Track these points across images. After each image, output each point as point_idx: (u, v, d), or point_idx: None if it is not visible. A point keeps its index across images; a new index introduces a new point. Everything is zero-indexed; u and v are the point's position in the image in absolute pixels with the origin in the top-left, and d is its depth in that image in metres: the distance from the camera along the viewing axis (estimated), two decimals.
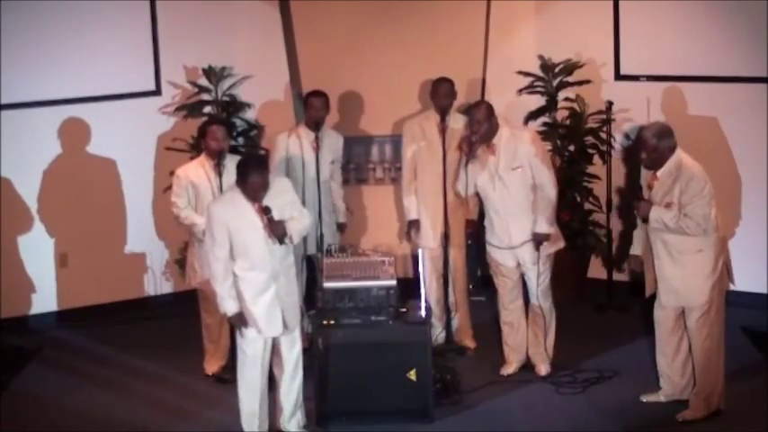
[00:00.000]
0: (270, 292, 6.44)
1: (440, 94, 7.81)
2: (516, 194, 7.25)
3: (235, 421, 6.67)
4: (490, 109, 7.30)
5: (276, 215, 6.38)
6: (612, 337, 8.11)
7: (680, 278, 6.59)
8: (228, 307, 6.45)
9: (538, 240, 7.28)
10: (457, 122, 7.83)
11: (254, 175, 6.33)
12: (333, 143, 8.08)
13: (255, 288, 6.43)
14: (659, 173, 6.58)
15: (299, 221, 6.52)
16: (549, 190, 7.27)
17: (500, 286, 7.51)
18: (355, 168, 9.07)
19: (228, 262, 6.41)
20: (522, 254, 7.33)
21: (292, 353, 6.61)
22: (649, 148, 6.55)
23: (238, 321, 6.47)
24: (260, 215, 6.38)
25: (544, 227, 7.27)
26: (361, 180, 9.12)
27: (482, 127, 7.22)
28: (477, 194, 7.46)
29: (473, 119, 7.25)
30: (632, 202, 6.77)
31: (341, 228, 8.23)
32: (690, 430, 6.67)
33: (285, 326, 6.50)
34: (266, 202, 6.39)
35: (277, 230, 6.39)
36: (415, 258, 7.97)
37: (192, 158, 8.53)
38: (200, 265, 7.53)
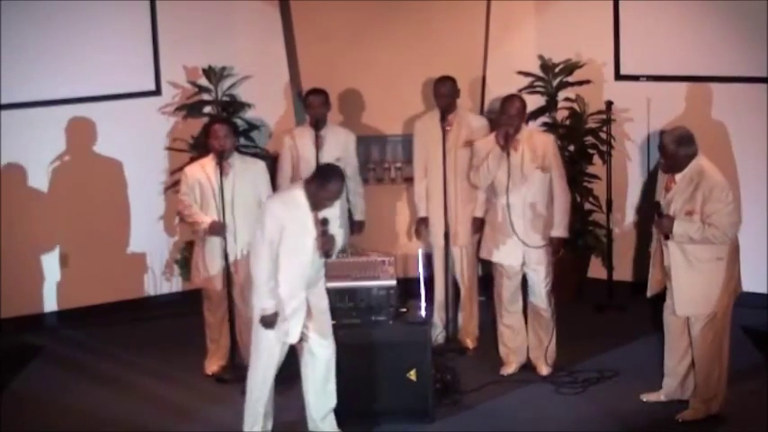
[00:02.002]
0: (298, 299, 6.36)
1: (440, 93, 7.82)
2: (534, 194, 7.27)
3: (235, 420, 6.67)
4: (524, 104, 7.37)
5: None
6: (612, 337, 8.11)
7: (698, 286, 6.54)
8: (268, 305, 6.31)
9: (554, 245, 7.35)
10: (464, 119, 7.82)
11: (336, 182, 6.24)
12: (339, 141, 8.04)
13: (287, 292, 6.34)
14: (677, 177, 6.54)
15: (340, 240, 6.49)
16: (566, 197, 7.37)
17: (503, 287, 7.50)
18: None
19: (274, 261, 6.27)
20: (529, 253, 7.33)
21: (325, 355, 6.50)
22: (668, 155, 6.51)
23: (271, 321, 6.33)
24: (317, 225, 6.29)
25: (563, 232, 7.35)
26: (362, 180, 9.10)
27: (516, 120, 7.26)
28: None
29: (508, 112, 7.26)
30: (654, 219, 6.70)
31: (359, 226, 8.24)
32: (690, 431, 6.67)
33: (303, 338, 6.42)
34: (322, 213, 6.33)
35: (327, 245, 6.34)
36: (427, 257, 8.03)
37: (191, 158, 8.58)
38: (203, 265, 7.56)
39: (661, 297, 6.81)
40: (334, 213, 6.38)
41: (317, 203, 6.28)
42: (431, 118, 7.93)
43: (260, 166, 7.60)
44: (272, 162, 8.22)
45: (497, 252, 7.43)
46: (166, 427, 6.98)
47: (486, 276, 7.83)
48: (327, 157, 7.91)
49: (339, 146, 8.03)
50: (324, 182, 6.25)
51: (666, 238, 6.52)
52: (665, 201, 6.61)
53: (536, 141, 7.34)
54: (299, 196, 6.30)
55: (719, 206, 6.41)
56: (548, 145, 7.37)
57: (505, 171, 7.25)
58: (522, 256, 7.36)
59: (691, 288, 6.56)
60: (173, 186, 8.92)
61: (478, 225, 7.78)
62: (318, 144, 7.91)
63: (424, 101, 8.88)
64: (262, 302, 6.34)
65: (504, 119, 7.29)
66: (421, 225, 8.06)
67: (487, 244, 7.51)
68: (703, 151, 6.60)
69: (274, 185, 7.88)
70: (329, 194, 6.25)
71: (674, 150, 6.49)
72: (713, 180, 6.45)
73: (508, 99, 7.41)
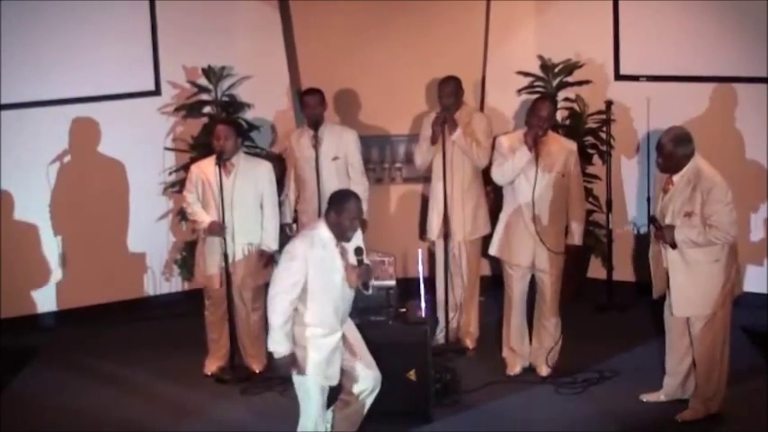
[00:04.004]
0: (335, 338, 6.21)
1: (443, 93, 7.83)
2: (548, 195, 7.27)
3: (234, 420, 6.66)
4: (555, 108, 7.42)
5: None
6: (612, 337, 8.11)
7: (694, 288, 6.53)
8: (282, 349, 6.05)
9: (570, 253, 7.41)
10: (465, 117, 7.82)
11: (352, 199, 6.11)
12: (337, 140, 8.02)
13: (323, 332, 6.15)
14: (675, 178, 6.53)
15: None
16: (581, 206, 7.42)
17: (510, 289, 7.49)
18: None
19: (293, 304, 6.08)
20: (539, 256, 7.32)
21: (370, 383, 6.33)
22: (665, 154, 6.49)
23: (289, 364, 6.10)
24: (344, 258, 6.15)
25: (578, 240, 7.42)
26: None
27: (546, 123, 7.26)
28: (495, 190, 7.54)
29: (538, 114, 7.25)
30: (652, 231, 6.70)
31: (361, 225, 8.24)
32: (689, 431, 6.67)
33: (347, 370, 6.30)
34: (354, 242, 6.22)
35: (365, 276, 6.22)
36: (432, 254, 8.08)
37: (191, 158, 8.59)
38: (203, 263, 7.59)
39: (661, 297, 6.81)
40: (359, 238, 6.27)
41: (341, 232, 6.14)
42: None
43: (264, 167, 7.60)
44: (276, 162, 8.21)
45: (508, 251, 7.42)
46: (166, 426, 6.98)
47: (495, 277, 7.81)
48: (326, 156, 7.94)
49: (337, 145, 8.02)
50: (340, 205, 6.11)
51: (674, 247, 6.51)
52: (663, 202, 6.60)
53: (558, 146, 7.33)
54: (322, 231, 6.14)
55: (719, 206, 6.39)
56: (570, 152, 7.35)
57: (528, 174, 7.25)
58: (532, 257, 7.35)
59: (687, 289, 6.56)
60: (172, 186, 8.92)
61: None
62: (316, 144, 7.91)
63: (427, 101, 8.88)
64: (275, 346, 6.08)
65: (534, 120, 7.26)
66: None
67: (499, 241, 7.50)
68: (703, 152, 6.59)
69: (282, 187, 7.95)
70: (349, 214, 6.11)
71: (671, 150, 6.48)
72: (711, 180, 6.43)
73: (540, 100, 7.44)
